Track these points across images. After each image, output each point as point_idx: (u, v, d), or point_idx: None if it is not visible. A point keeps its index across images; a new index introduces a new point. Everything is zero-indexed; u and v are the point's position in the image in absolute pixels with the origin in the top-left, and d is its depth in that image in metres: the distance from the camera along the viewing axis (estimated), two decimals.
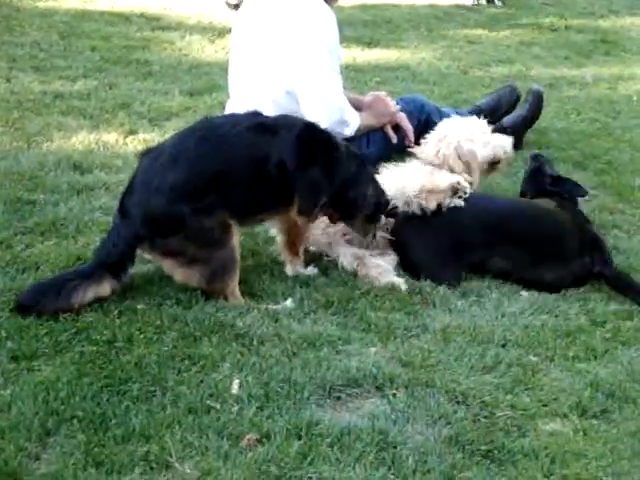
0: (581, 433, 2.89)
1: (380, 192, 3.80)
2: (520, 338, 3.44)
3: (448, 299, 3.71)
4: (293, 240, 3.73)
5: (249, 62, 4.35)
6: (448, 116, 5.14)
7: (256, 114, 3.62)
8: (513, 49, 8.45)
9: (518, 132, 5.75)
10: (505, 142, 4.42)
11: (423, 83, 6.88)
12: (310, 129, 3.65)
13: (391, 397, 2.95)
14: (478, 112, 5.74)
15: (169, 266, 3.40)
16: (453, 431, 2.80)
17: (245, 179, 3.45)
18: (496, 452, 2.73)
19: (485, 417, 2.91)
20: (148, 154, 3.51)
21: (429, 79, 7.04)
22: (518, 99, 5.88)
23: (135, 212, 3.34)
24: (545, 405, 3.03)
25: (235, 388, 2.87)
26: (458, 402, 2.98)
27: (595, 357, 3.39)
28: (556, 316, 3.66)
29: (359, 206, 3.71)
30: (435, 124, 4.84)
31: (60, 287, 3.18)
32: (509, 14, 9.77)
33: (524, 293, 3.83)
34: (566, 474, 2.67)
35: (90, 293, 3.20)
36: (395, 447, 2.68)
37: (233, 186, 3.42)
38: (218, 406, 2.78)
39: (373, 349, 3.24)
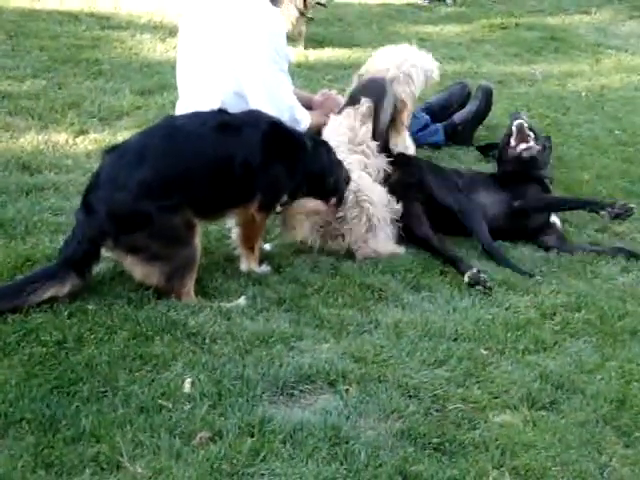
0: (531, 424, 2.93)
1: (346, 172, 4.00)
2: (471, 332, 3.48)
3: (400, 294, 3.74)
4: (249, 235, 3.74)
5: (197, 63, 4.31)
6: None
7: (221, 112, 3.65)
8: (464, 47, 8.53)
9: (469, 128, 5.84)
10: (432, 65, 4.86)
11: None
12: (274, 127, 3.69)
13: (343, 393, 2.96)
14: (430, 109, 5.84)
15: (130, 263, 3.38)
16: (405, 425, 2.82)
17: (211, 177, 3.48)
18: (447, 445, 2.76)
19: (437, 410, 2.94)
20: (113, 151, 3.51)
21: None
22: (469, 96, 5.96)
23: (100, 207, 3.32)
24: (496, 397, 3.07)
25: (187, 387, 2.86)
26: (410, 396, 3.00)
27: (544, 349, 3.44)
28: (506, 309, 3.71)
29: (339, 189, 3.94)
30: None
31: (21, 289, 3.17)
32: (460, 12, 9.87)
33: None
34: (516, 465, 2.70)
35: (50, 292, 3.18)
36: (347, 442, 2.69)
37: (199, 184, 3.45)
38: (170, 405, 2.76)
39: (326, 345, 3.25)
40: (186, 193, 3.40)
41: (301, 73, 6.57)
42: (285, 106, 4.22)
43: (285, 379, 2.98)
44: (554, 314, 3.72)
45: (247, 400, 2.84)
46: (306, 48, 7.49)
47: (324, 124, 4.42)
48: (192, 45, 4.33)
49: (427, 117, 5.75)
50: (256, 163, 3.52)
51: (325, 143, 4.00)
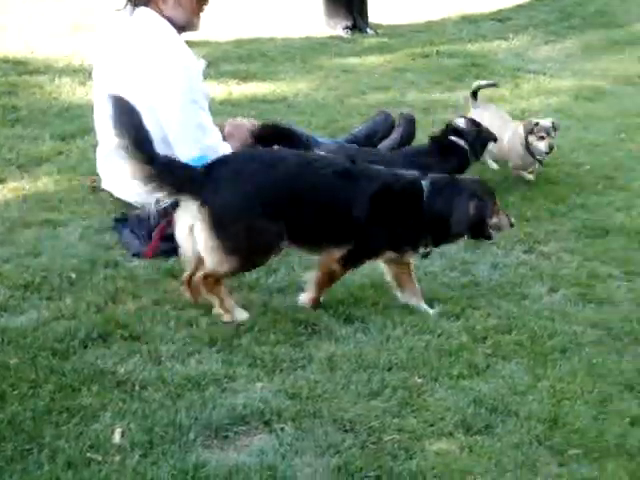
0: (467, 450, 2.93)
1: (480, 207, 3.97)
2: (405, 360, 3.48)
3: (332, 327, 3.72)
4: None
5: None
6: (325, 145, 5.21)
7: (349, 161, 3.91)
8: (387, 76, 8.64)
9: None
10: None
11: (300, 114, 6.94)
12: (390, 184, 3.82)
13: (279, 431, 2.93)
14: (355, 140, 5.87)
15: (203, 230, 3.53)
16: (342, 460, 2.79)
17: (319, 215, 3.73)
18: (385, 477, 2.74)
19: (373, 443, 2.93)
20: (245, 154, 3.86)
21: (306, 110, 7.11)
22: (392, 125, 6.00)
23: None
24: (431, 425, 3.06)
25: (117, 437, 2.79)
26: (346, 430, 2.98)
27: (478, 373, 3.45)
28: (439, 335, 3.72)
29: (461, 229, 3.96)
30: None
31: None
32: (382, 43, 10.00)
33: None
34: None
35: None
36: None
37: (306, 216, 3.71)
38: (99, 458, 2.69)
39: (259, 384, 3.21)
40: (291, 219, 3.65)
41: (225, 109, 6.56)
42: (206, 146, 4.20)
43: (219, 422, 2.93)
44: (485, 338, 3.74)
45: (180, 446, 2.78)
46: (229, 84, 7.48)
47: None
48: (106, 87, 4.28)
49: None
50: (362, 215, 3.72)
51: (450, 181, 3.96)
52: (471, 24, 11.21)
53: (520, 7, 12.13)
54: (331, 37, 9.98)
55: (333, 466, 2.76)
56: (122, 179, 3.90)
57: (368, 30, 10.33)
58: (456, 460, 2.86)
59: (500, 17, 11.57)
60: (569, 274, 4.49)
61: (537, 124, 5.74)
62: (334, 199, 3.75)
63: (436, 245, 4.00)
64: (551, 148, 5.73)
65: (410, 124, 5.95)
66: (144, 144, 3.43)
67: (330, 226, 3.78)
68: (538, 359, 3.60)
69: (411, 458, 2.85)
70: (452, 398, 3.24)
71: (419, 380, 3.36)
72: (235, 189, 3.57)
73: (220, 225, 3.52)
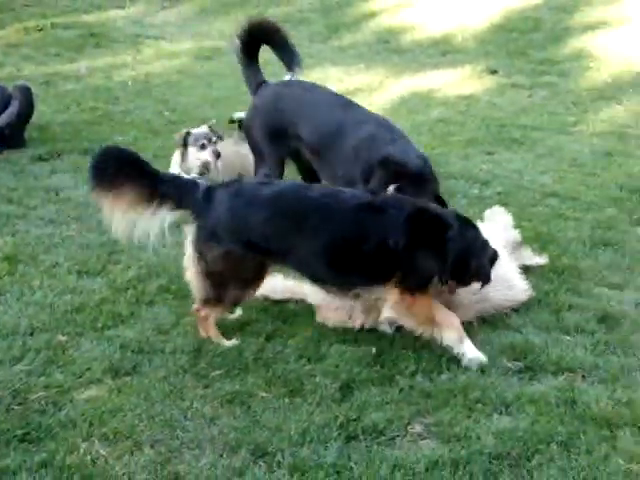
0: (116, 392, 3.01)
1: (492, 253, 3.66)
2: (47, 322, 3.46)
3: None
4: None
5: None
6: None
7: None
8: (0, 53, 8.27)
9: (16, 130, 5.70)
10: None
11: None
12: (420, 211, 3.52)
13: None
14: None
15: None
16: None
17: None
18: (33, 433, 2.74)
19: (19, 404, 2.90)
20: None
21: None
22: (9, 98, 5.79)
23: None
24: (79, 377, 3.09)
25: None
26: None
27: (122, 322, 3.52)
28: (80, 293, 3.72)
29: (481, 273, 3.60)
30: None
31: None
32: None
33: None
34: (105, 432, 2.76)
35: None
36: None
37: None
38: None
39: None
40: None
41: None
42: None
43: None
44: (127, 288, 3.80)
45: None
46: None
47: None
48: None
49: None
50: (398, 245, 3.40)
51: (472, 223, 3.67)
52: None
53: None
54: None
55: None
56: None
57: None
58: (106, 403, 2.92)
59: None
60: None
61: (189, 133, 5.15)
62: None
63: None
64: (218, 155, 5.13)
65: (26, 95, 5.80)
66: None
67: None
68: (181, 300, 3.73)
69: (60, 410, 2.87)
70: (98, 348, 3.28)
71: (63, 338, 3.35)
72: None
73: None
